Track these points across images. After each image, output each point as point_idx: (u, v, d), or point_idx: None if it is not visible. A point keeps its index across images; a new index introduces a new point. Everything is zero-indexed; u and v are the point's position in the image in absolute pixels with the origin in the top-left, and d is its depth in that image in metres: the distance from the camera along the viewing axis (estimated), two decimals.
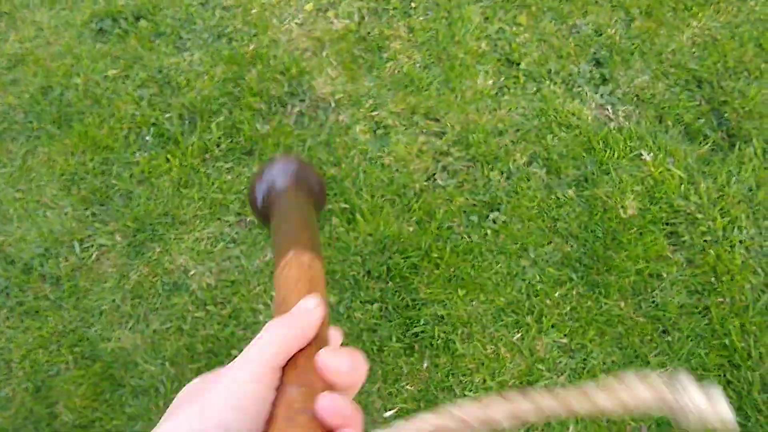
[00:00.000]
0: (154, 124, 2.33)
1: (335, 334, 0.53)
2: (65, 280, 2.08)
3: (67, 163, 2.26)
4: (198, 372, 1.94)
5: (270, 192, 0.62)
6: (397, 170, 2.19)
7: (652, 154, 2.21)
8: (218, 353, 1.96)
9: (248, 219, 2.15)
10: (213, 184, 2.19)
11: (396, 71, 2.42)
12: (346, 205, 2.14)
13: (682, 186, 2.15)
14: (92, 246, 2.14)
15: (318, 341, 0.48)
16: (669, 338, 1.95)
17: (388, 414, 1.88)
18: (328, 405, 0.42)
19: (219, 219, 2.15)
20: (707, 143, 2.22)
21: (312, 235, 0.57)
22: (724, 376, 1.90)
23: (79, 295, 2.07)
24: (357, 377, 0.47)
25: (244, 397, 0.42)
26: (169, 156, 2.25)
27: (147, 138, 2.31)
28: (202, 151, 2.26)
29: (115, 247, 2.14)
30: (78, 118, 2.35)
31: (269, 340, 0.46)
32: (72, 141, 2.30)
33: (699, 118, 2.27)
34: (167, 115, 2.34)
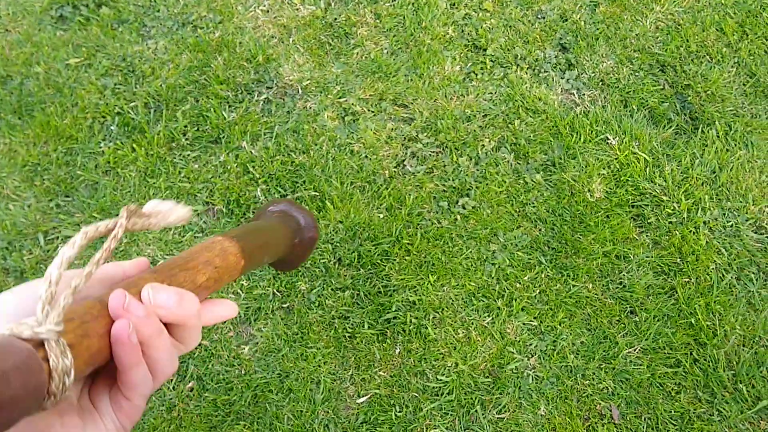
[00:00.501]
0: (119, 114, 2.27)
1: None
2: (30, 273, 2.02)
3: (29, 153, 2.20)
4: None
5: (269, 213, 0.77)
6: (366, 157, 2.17)
7: (617, 138, 2.21)
8: None
9: (216, 208, 2.11)
10: (180, 173, 2.15)
11: (363, 57, 2.39)
12: (316, 193, 2.11)
13: (648, 169, 2.16)
14: (57, 238, 2.09)
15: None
16: (636, 318, 1.96)
17: (361, 400, 1.87)
18: (116, 295, 0.44)
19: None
20: (671, 126, 2.24)
21: (254, 243, 0.63)
22: (691, 354, 1.92)
23: None
24: (179, 311, 0.48)
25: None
26: (134, 145, 2.19)
27: (112, 127, 2.25)
28: (168, 140, 2.21)
29: None
30: (40, 108, 2.28)
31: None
32: (34, 131, 2.23)
33: (663, 102, 2.28)
34: (132, 104, 2.28)
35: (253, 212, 2.09)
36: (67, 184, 2.14)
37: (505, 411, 1.86)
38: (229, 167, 2.14)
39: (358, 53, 2.40)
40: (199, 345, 1.93)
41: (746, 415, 1.84)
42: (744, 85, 2.32)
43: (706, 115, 2.24)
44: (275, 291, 1.99)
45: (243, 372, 1.89)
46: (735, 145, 2.20)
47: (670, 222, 2.09)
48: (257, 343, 1.93)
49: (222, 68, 2.35)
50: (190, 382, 1.88)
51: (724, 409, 1.86)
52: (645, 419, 1.85)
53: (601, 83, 2.34)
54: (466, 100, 2.28)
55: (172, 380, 1.89)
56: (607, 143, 2.21)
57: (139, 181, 2.13)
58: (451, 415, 1.85)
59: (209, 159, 2.17)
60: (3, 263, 2.04)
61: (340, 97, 2.28)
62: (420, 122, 2.23)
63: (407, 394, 1.88)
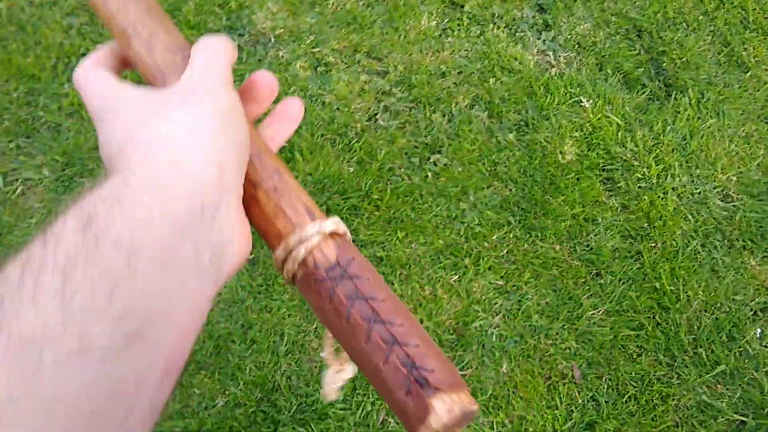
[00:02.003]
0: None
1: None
2: None
3: None
4: None
5: None
6: (338, 109, 2.07)
7: (591, 101, 2.15)
8: None
9: None
10: None
11: (339, 8, 2.28)
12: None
13: (620, 133, 2.11)
14: (17, 180, 1.97)
15: None
16: (602, 281, 1.92)
17: (324, 354, 1.81)
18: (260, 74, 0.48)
19: None
20: (645, 92, 2.18)
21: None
22: (654, 317, 1.89)
23: (2, 231, 1.90)
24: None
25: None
26: None
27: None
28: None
29: (42, 182, 1.97)
30: (1, 46, 2.14)
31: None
32: None
33: (638, 67, 2.22)
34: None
35: None
36: (29, 126, 2.02)
37: (468, 368, 1.81)
38: None
39: (333, 3, 2.29)
40: None
41: (704, 379, 1.82)
42: (718, 54, 2.27)
43: (679, 82, 2.19)
44: None
45: (206, 322, 1.81)
46: (706, 113, 2.15)
47: (640, 187, 2.04)
48: (221, 294, 1.85)
49: (193, 13, 2.22)
50: None
51: (684, 372, 1.83)
52: (606, 380, 1.82)
53: (577, 45, 2.26)
54: (442, 56, 2.19)
55: None
56: (581, 106, 2.15)
57: None
58: None
59: None
60: None
61: (313, 47, 2.18)
62: (394, 76, 2.14)
63: None
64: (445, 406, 0.37)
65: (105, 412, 0.29)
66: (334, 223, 0.43)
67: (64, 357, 0.28)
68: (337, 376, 0.47)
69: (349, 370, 0.48)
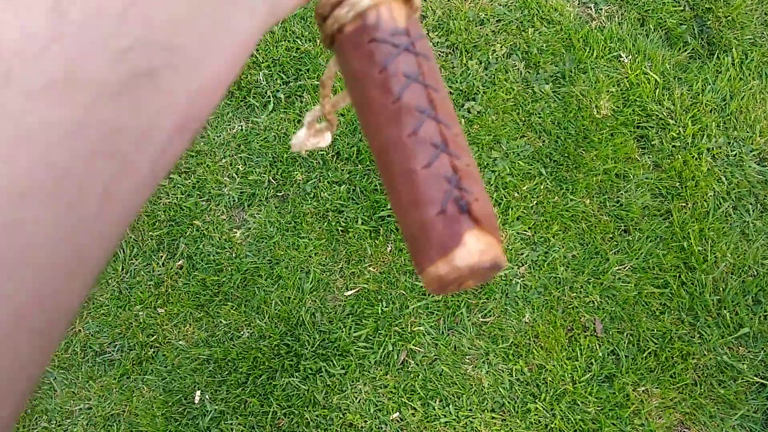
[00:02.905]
0: None
1: None
2: None
3: None
4: (159, 240, 1.82)
5: None
6: None
7: (630, 56, 2.08)
8: (180, 222, 1.84)
9: None
10: None
11: None
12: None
13: (657, 90, 2.05)
14: None
15: None
16: (629, 237, 1.89)
17: (349, 293, 1.80)
18: None
19: None
20: (686, 50, 2.11)
21: None
22: (679, 276, 1.86)
23: None
24: None
25: None
26: None
27: None
28: None
29: None
30: None
31: None
32: None
33: (681, 24, 2.14)
34: None
35: (254, 97, 1.96)
36: None
37: (490, 315, 1.80)
38: None
39: None
40: (191, 225, 1.84)
41: (726, 340, 1.79)
42: (765, 14, 2.18)
43: (723, 41, 2.11)
44: (271, 179, 1.89)
45: (234, 255, 1.81)
46: (749, 74, 2.08)
47: (674, 146, 1.99)
48: (249, 228, 1.84)
49: None
50: (180, 260, 1.80)
51: (706, 332, 1.81)
52: (627, 335, 1.81)
53: None
54: (481, 3, 2.13)
55: (162, 256, 1.80)
56: (619, 61, 2.08)
57: None
58: (436, 314, 1.79)
59: None
60: None
61: None
62: (432, 20, 2.08)
63: (395, 291, 1.81)
64: (479, 245, 0.29)
65: (87, 170, 0.21)
66: None
67: (40, 87, 0.20)
68: (310, 141, 0.40)
69: (326, 141, 0.41)
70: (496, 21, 2.10)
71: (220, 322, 1.76)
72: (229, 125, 1.94)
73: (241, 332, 1.76)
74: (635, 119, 2.01)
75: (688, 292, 1.85)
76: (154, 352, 1.74)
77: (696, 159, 1.97)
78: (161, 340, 1.75)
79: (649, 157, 1.98)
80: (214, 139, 1.92)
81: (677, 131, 2.00)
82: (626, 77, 2.06)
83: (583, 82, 2.04)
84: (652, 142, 1.99)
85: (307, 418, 1.70)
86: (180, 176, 1.88)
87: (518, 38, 2.08)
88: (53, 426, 1.70)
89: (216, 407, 1.70)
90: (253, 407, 1.70)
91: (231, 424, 1.69)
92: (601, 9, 2.16)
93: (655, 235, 1.90)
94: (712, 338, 1.80)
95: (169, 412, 1.70)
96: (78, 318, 1.77)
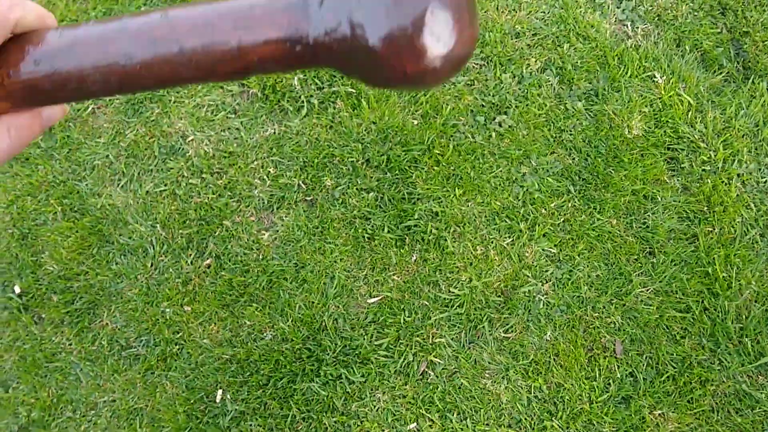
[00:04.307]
0: None
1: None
2: (58, 130, 1.90)
3: (68, 9, 2.03)
4: (189, 238, 1.82)
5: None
6: None
7: (665, 77, 2.04)
8: (210, 221, 1.83)
9: (251, 91, 1.96)
10: None
11: None
12: (352, 90, 1.96)
13: (690, 113, 2.00)
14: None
15: None
16: (654, 260, 1.86)
17: (372, 300, 1.79)
18: None
19: (222, 87, 1.96)
20: (721, 73, 2.06)
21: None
22: (702, 302, 1.82)
23: (71, 147, 1.90)
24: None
25: None
26: None
27: None
28: None
29: (112, 103, 1.95)
30: None
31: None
32: None
33: (717, 47, 2.09)
34: None
35: (288, 101, 1.95)
36: None
37: (512, 331, 1.78)
38: None
39: None
40: (221, 225, 1.83)
41: (746, 368, 1.76)
42: None
43: (759, 65, 2.06)
44: (300, 182, 1.87)
45: (261, 257, 1.80)
46: None
47: (704, 170, 1.95)
48: (277, 231, 1.83)
49: None
50: (208, 259, 1.79)
51: (726, 359, 1.78)
52: (646, 357, 1.78)
53: (657, 18, 2.14)
54: (518, 16, 2.09)
55: (190, 254, 1.79)
56: (653, 81, 2.04)
57: None
58: (458, 327, 1.77)
59: None
60: None
61: None
62: None
63: (418, 302, 1.79)
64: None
65: None
66: None
67: None
68: None
69: None
70: (532, 35, 2.07)
71: (245, 322, 1.75)
72: (262, 128, 1.93)
73: (265, 334, 1.75)
74: (666, 141, 1.97)
75: (710, 318, 1.81)
76: (179, 349, 1.74)
77: (726, 184, 1.93)
78: (186, 337, 1.74)
79: (678, 180, 1.94)
80: (246, 141, 1.90)
81: (708, 155, 1.96)
82: (659, 98, 2.02)
83: (616, 100, 2.00)
84: (682, 165, 1.95)
85: (325, 424, 1.69)
86: (212, 176, 1.87)
87: (553, 53, 2.05)
88: (78, 416, 1.70)
89: (237, 407, 1.70)
90: (273, 409, 1.70)
91: (251, 425, 1.68)
92: (638, 27, 2.11)
93: (680, 258, 1.86)
94: (732, 366, 1.77)
95: (191, 410, 1.70)
96: (106, 311, 1.77)
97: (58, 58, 0.37)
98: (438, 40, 0.31)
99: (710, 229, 1.90)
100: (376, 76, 0.33)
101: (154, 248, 1.81)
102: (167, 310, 1.76)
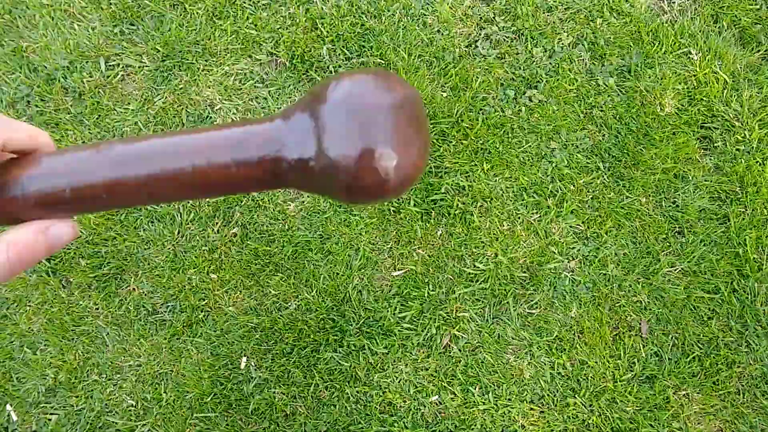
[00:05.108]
0: None
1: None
2: (88, 96, 1.89)
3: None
4: (215, 207, 1.80)
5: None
6: (438, 31, 1.95)
7: (700, 53, 1.97)
8: None
9: (279, 60, 1.93)
10: (248, 18, 1.95)
11: None
12: (382, 60, 1.92)
13: (725, 91, 1.94)
14: (118, 65, 1.93)
15: None
16: (683, 240, 1.81)
17: (396, 273, 1.76)
18: None
19: (250, 56, 1.93)
20: (759, 51, 1.99)
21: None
22: (731, 283, 1.77)
23: (101, 113, 1.88)
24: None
25: None
26: None
27: None
28: None
29: (141, 70, 1.92)
30: None
31: None
32: None
33: (756, 23, 2.02)
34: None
35: (316, 71, 1.91)
36: (134, 12, 1.96)
37: (537, 307, 1.75)
38: (297, 20, 1.94)
39: None
40: (247, 195, 1.81)
41: None
42: None
43: None
44: None
45: (286, 227, 1.78)
46: None
47: (737, 149, 1.89)
48: (303, 202, 1.81)
49: None
50: (234, 228, 1.77)
51: (754, 342, 1.73)
52: (672, 338, 1.74)
53: None
54: None
55: (217, 223, 1.78)
56: (689, 58, 1.97)
57: (205, 21, 1.94)
58: (482, 302, 1.75)
59: (278, 9, 1.97)
60: (63, 82, 1.90)
61: None
62: (499, 4, 1.99)
63: (442, 276, 1.76)
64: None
65: None
66: None
67: None
68: None
69: None
70: (565, 8, 2.00)
71: (270, 291, 1.74)
72: (290, 98, 1.89)
73: (289, 303, 1.74)
74: (700, 119, 1.91)
75: (739, 299, 1.77)
76: (204, 315, 1.73)
77: (760, 164, 1.86)
78: (212, 304, 1.73)
79: (710, 159, 1.89)
80: (274, 110, 1.87)
81: (742, 134, 1.89)
82: (694, 75, 1.95)
83: (649, 77, 1.94)
84: (715, 144, 1.89)
85: (347, 393, 1.68)
86: None
87: (586, 28, 1.98)
88: (103, 379, 1.71)
89: (261, 374, 1.69)
90: (296, 378, 1.69)
91: (274, 392, 1.67)
92: (674, 2, 2.04)
93: (710, 239, 1.81)
94: (760, 348, 1.73)
95: (216, 375, 1.69)
96: (133, 276, 1.76)
97: (51, 177, 0.40)
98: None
99: (742, 209, 1.84)
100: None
101: (181, 216, 1.79)
102: (193, 277, 1.75)
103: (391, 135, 0.36)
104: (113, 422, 1.67)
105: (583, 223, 1.81)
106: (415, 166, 0.38)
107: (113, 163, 0.38)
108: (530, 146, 1.86)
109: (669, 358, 1.73)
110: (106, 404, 1.69)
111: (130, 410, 1.68)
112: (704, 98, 1.93)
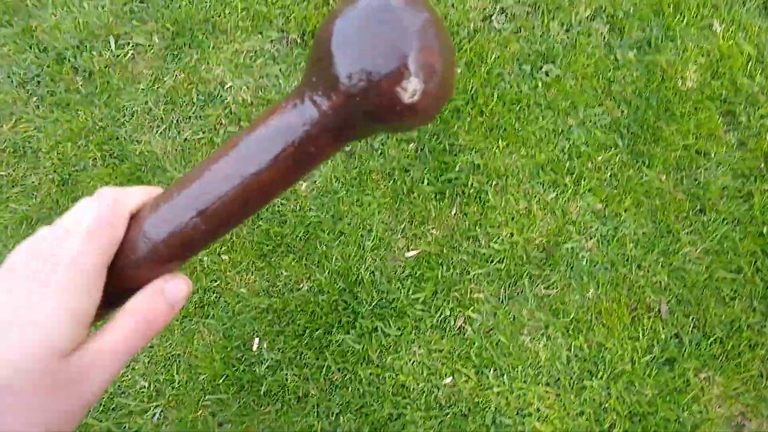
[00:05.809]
0: None
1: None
2: (98, 75, 1.84)
3: None
4: None
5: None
6: (452, 5, 1.88)
7: (723, 25, 1.88)
8: None
9: (290, 37, 1.87)
10: None
11: None
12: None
13: (750, 64, 1.85)
14: (128, 44, 1.88)
15: None
16: (705, 218, 1.74)
17: (410, 254, 1.71)
18: None
19: (261, 33, 1.87)
20: None
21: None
22: (755, 263, 1.70)
23: (111, 93, 1.84)
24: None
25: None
26: None
27: None
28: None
29: (151, 48, 1.88)
30: None
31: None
32: None
33: None
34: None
35: None
36: None
37: (553, 288, 1.69)
38: None
39: None
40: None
41: None
42: None
43: None
44: None
45: (298, 208, 1.73)
46: None
47: (762, 124, 1.80)
48: (315, 182, 1.76)
49: None
50: None
51: None
52: (693, 319, 1.68)
53: None
54: None
55: None
56: (711, 30, 1.88)
57: None
58: (497, 283, 1.69)
59: None
60: (73, 61, 1.86)
61: None
62: None
63: (457, 256, 1.71)
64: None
65: None
66: None
67: None
68: None
69: None
70: None
71: (281, 273, 1.70)
72: (301, 75, 1.84)
73: (301, 285, 1.70)
74: (722, 93, 1.83)
75: (762, 280, 1.70)
76: (216, 297, 1.70)
77: None
78: (224, 286, 1.70)
79: (733, 135, 1.80)
80: (285, 88, 1.82)
81: (767, 109, 1.81)
82: (717, 48, 1.86)
83: (670, 50, 1.85)
84: (739, 119, 1.81)
85: (360, 375, 1.64)
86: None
87: (604, 0, 1.90)
88: None
89: (273, 356, 1.66)
90: (308, 359, 1.65)
91: (286, 374, 1.64)
92: None
93: (733, 217, 1.74)
94: None
95: (228, 357, 1.66)
96: None
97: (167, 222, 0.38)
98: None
99: (767, 187, 1.76)
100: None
101: None
102: (205, 258, 1.72)
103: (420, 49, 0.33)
104: (126, 404, 1.65)
105: (601, 201, 1.74)
106: (449, 81, 0.35)
107: (225, 178, 0.37)
108: (547, 123, 1.79)
109: (689, 340, 1.67)
110: (119, 386, 1.67)
111: (142, 392, 1.66)
112: (727, 71, 1.84)
